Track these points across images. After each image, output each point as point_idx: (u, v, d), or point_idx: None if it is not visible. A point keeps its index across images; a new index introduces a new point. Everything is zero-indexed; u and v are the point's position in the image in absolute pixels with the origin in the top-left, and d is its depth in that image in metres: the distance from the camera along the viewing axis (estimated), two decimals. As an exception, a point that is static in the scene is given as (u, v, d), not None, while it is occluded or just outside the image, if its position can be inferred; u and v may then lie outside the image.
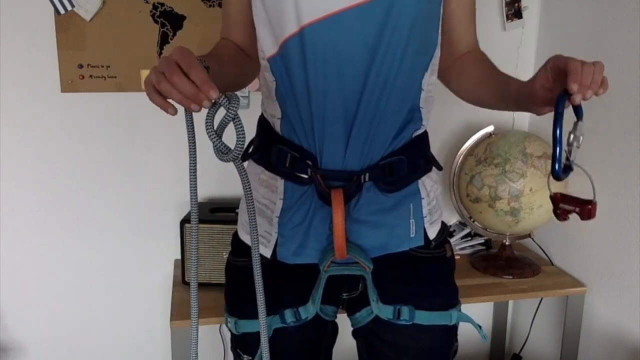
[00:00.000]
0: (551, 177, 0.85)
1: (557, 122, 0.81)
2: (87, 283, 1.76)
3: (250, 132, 1.05)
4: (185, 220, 1.52)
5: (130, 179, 1.71)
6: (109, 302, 1.79)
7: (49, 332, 1.77)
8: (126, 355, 1.85)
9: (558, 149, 0.82)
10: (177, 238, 1.68)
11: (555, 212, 0.90)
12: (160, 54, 1.63)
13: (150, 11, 1.61)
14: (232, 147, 0.80)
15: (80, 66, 1.60)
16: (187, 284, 1.54)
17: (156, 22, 1.62)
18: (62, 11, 1.54)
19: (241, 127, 0.78)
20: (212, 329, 1.83)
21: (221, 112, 0.79)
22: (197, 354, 0.92)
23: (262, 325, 0.91)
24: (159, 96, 0.76)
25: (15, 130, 1.62)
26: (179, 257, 1.70)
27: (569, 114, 0.81)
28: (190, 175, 0.84)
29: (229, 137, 0.79)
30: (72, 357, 1.81)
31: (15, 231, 1.68)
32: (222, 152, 0.80)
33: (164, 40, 1.63)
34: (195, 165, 0.85)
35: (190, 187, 0.85)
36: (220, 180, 1.75)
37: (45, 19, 1.56)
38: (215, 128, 0.78)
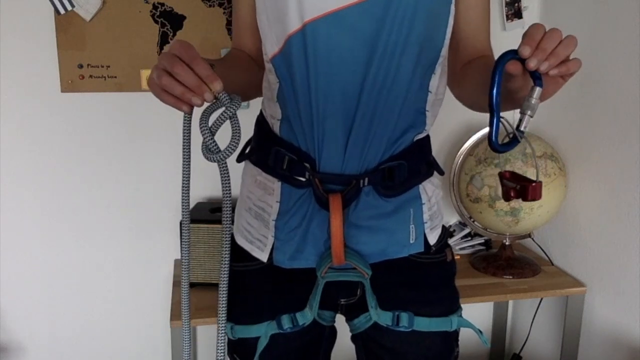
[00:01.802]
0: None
1: (493, 84, 0.72)
2: (87, 283, 1.76)
3: (249, 133, 1.05)
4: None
5: (131, 178, 1.71)
6: (109, 302, 1.79)
7: (49, 332, 1.77)
8: (126, 355, 1.85)
9: (495, 116, 0.72)
10: (177, 238, 1.68)
11: (502, 191, 0.83)
12: (160, 53, 1.63)
13: (150, 11, 1.61)
14: (223, 149, 0.77)
15: (80, 66, 1.60)
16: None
17: (156, 22, 1.62)
18: (62, 11, 1.54)
19: (238, 128, 0.76)
20: (212, 329, 1.83)
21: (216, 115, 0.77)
22: (189, 353, 0.92)
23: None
24: (169, 95, 0.74)
25: (15, 130, 1.62)
26: (179, 257, 1.70)
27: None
28: (183, 180, 0.83)
29: (221, 139, 0.77)
30: (72, 357, 1.81)
31: (15, 231, 1.68)
32: (211, 150, 0.77)
33: (164, 40, 1.63)
34: (189, 170, 0.83)
35: (183, 192, 0.83)
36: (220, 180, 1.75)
37: (45, 19, 1.56)
38: (209, 125, 0.76)
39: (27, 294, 1.73)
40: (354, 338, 1.05)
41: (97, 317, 1.79)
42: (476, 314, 2.04)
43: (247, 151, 1.02)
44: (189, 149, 0.82)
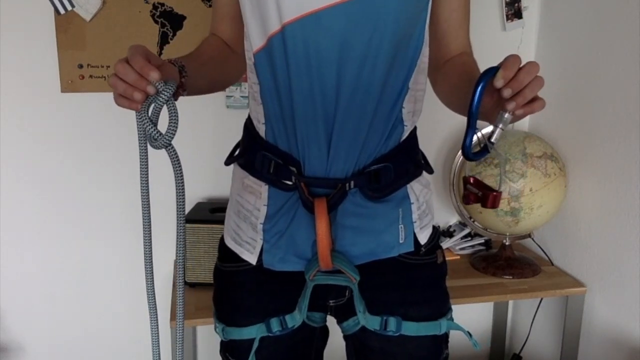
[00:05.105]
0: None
1: (474, 98, 0.77)
2: (87, 283, 1.76)
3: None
4: (185, 220, 1.52)
5: (130, 179, 1.71)
6: (108, 302, 1.79)
7: (48, 332, 1.77)
8: (125, 354, 1.85)
9: (471, 127, 0.78)
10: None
11: (463, 194, 0.90)
12: (160, 54, 1.63)
13: (150, 11, 1.61)
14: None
15: (80, 66, 1.60)
16: (188, 284, 1.54)
17: (156, 22, 1.62)
18: (62, 11, 1.54)
19: (175, 112, 0.78)
20: (212, 328, 1.83)
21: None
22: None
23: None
24: (119, 97, 0.78)
25: (15, 131, 1.62)
26: (179, 257, 1.70)
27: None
28: (142, 184, 0.84)
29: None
30: (71, 357, 1.81)
31: (15, 231, 1.68)
32: (155, 139, 0.79)
33: (164, 40, 1.63)
34: (147, 170, 0.85)
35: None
36: (220, 180, 1.75)
37: (45, 19, 1.56)
38: (149, 116, 0.79)
39: (27, 294, 1.73)
40: (344, 337, 1.06)
41: (97, 317, 1.79)
42: (476, 314, 2.04)
43: (236, 153, 1.02)
44: (146, 149, 0.84)
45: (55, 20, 1.56)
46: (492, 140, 0.80)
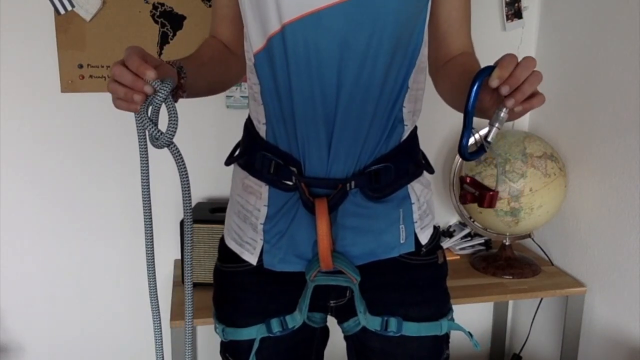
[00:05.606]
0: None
1: (470, 97, 0.77)
2: (87, 283, 1.76)
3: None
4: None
5: (130, 179, 1.71)
6: (108, 303, 1.79)
7: (48, 332, 1.77)
8: (126, 354, 1.85)
9: (468, 128, 0.78)
10: (177, 238, 1.68)
11: (460, 194, 0.89)
12: (160, 54, 1.63)
13: (150, 11, 1.61)
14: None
15: (80, 66, 1.60)
16: (187, 284, 1.54)
17: (156, 22, 1.62)
18: (62, 11, 1.54)
19: (174, 110, 0.78)
20: (212, 328, 1.83)
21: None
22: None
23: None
24: (118, 100, 0.78)
25: (15, 130, 1.62)
26: (179, 257, 1.70)
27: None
28: (142, 181, 0.85)
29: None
30: (71, 357, 1.81)
31: (15, 231, 1.68)
32: (156, 138, 0.79)
33: (164, 40, 1.63)
34: (147, 170, 0.85)
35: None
36: (220, 180, 1.75)
37: (45, 19, 1.56)
38: (149, 115, 0.79)
39: (27, 294, 1.73)
40: (345, 337, 1.06)
41: (97, 317, 1.79)
42: (476, 314, 2.04)
43: (236, 154, 1.02)
44: (146, 149, 0.84)
45: (55, 20, 1.56)
46: (489, 139, 0.80)
